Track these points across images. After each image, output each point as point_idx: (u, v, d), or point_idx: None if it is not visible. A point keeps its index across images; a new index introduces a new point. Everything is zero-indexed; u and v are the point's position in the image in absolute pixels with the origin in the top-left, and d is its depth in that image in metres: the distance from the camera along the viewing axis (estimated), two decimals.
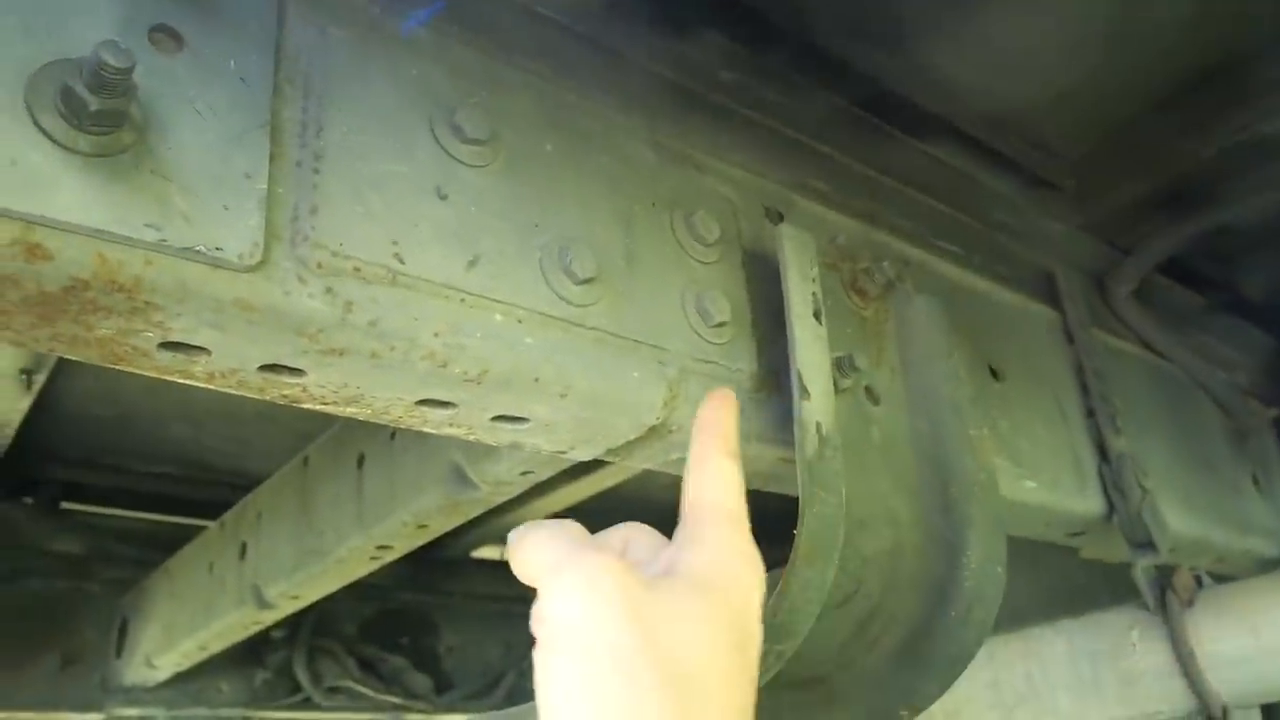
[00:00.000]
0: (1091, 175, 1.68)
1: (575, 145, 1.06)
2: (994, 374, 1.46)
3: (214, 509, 2.55)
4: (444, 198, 0.92)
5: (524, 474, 1.32)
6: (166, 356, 0.83)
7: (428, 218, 0.90)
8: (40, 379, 1.93)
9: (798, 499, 1.36)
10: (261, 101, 0.84)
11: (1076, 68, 1.44)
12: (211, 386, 0.89)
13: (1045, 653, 1.66)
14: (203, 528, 2.51)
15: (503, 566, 3.17)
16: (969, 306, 1.51)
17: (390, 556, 1.63)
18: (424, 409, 0.95)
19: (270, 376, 0.87)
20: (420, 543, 1.57)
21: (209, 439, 2.47)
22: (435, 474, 1.40)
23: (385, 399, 0.93)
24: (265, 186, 0.81)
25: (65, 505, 2.64)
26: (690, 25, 1.24)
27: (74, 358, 0.82)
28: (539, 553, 0.76)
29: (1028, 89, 1.50)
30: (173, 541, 2.65)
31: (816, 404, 1.06)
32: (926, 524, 1.19)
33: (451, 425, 1.00)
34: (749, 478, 1.22)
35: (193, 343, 0.81)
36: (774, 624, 1.02)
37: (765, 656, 1.02)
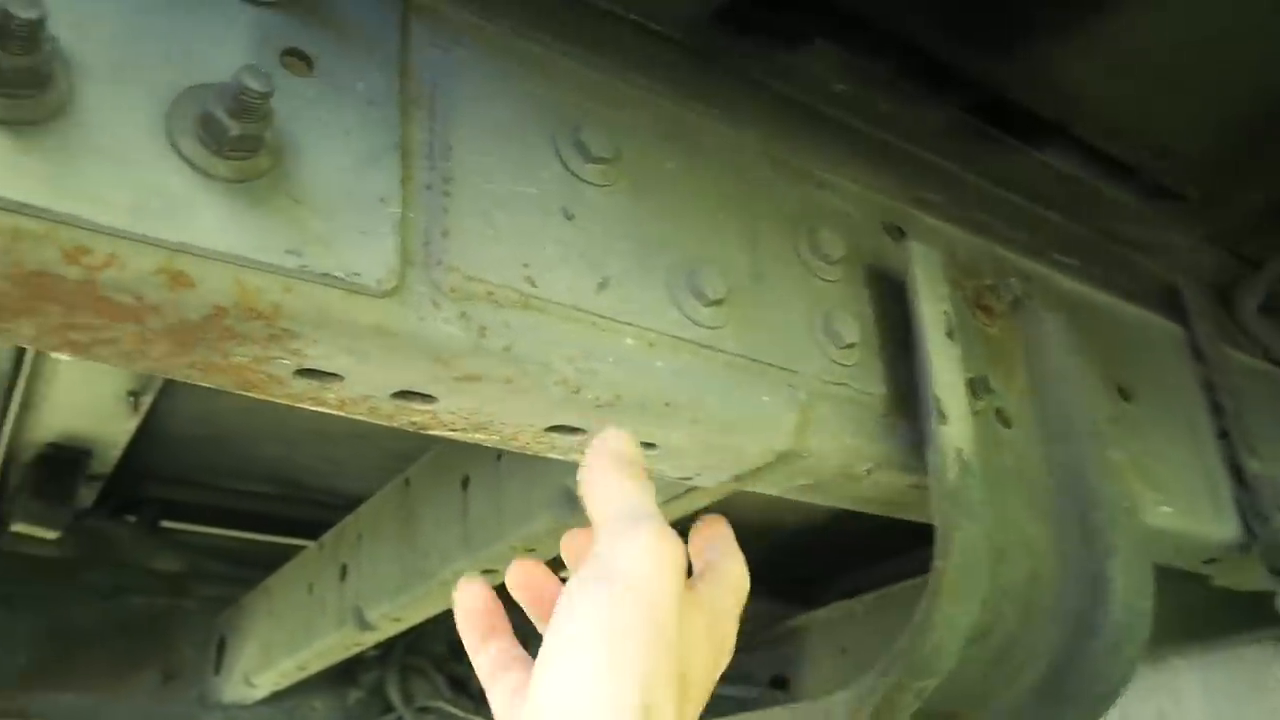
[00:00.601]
0: (1217, 183, 1.60)
1: (696, 162, 1.03)
2: (1123, 394, 1.39)
3: (307, 527, 2.57)
4: (571, 218, 0.90)
5: None
6: (300, 384, 0.81)
7: (556, 239, 0.88)
8: (147, 401, 1.95)
9: (895, 520, 1.32)
10: (391, 123, 0.82)
11: (1203, 68, 1.38)
12: (340, 413, 0.87)
13: (1179, 687, 1.58)
14: (297, 546, 2.53)
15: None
16: (1092, 322, 1.45)
17: (495, 580, 1.61)
18: (552, 435, 0.93)
19: (401, 403, 0.85)
20: None
21: (302, 458, 2.49)
22: (544, 498, 1.37)
23: (514, 425, 0.91)
24: (399, 210, 0.79)
25: (164, 524, 2.67)
26: (802, 36, 1.21)
27: (207, 385, 0.82)
28: (623, 497, 0.76)
29: (1150, 92, 1.44)
30: (268, 559, 2.67)
31: (955, 429, 1.02)
32: (1065, 553, 1.13)
33: (578, 451, 0.97)
34: (875, 503, 1.19)
35: (327, 370, 0.79)
36: (915, 660, 0.98)
37: (904, 693, 0.98)
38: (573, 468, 1.20)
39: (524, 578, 0.89)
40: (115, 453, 2.19)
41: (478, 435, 0.92)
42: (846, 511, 1.26)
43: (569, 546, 0.89)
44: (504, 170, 0.87)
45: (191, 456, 2.50)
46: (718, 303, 0.94)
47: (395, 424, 0.90)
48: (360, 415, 0.88)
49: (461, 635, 0.89)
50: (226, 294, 0.71)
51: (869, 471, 1.09)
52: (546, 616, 0.83)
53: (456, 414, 0.88)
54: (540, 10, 0.98)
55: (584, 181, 0.92)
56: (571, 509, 1.37)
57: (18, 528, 2.21)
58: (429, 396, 0.85)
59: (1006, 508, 1.11)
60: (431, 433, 0.92)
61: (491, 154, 0.87)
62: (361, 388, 0.83)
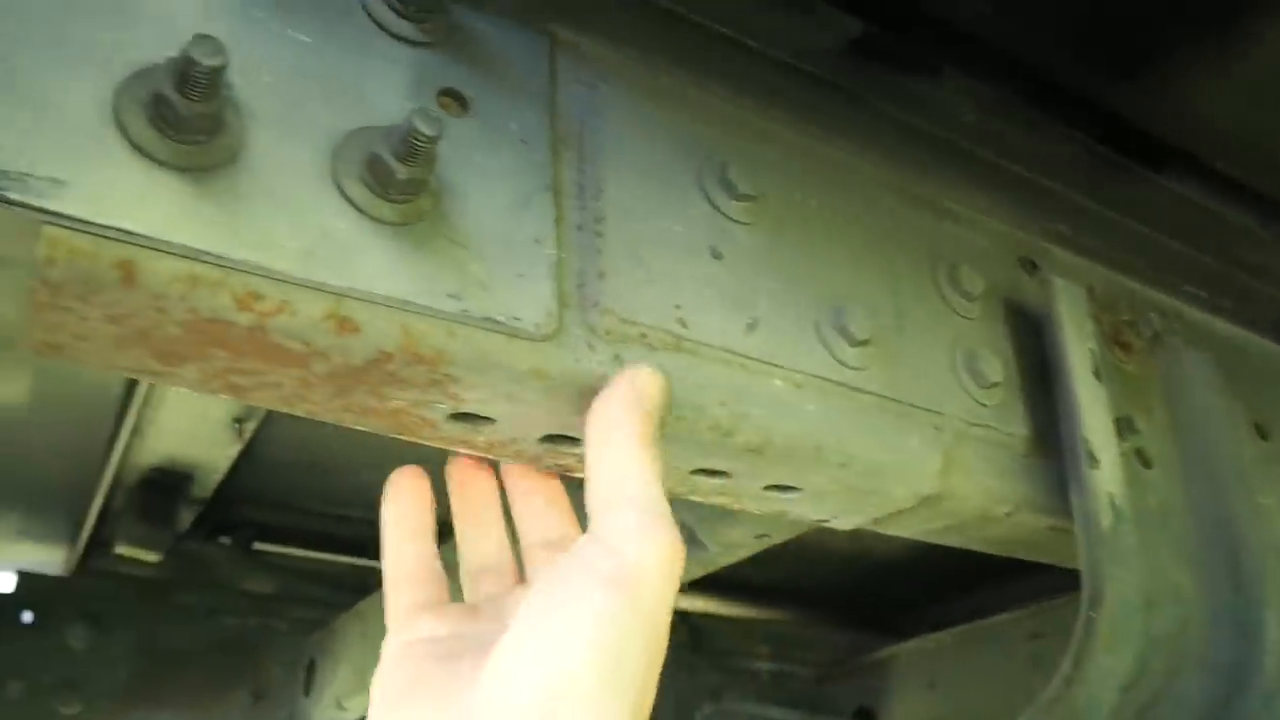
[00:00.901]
0: None
1: (836, 198, 1.01)
2: (1260, 432, 1.34)
3: None
4: (719, 257, 0.88)
5: (759, 537, 1.26)
6: (452, 427, 0.80)
7: (706, 279, 0.86)
8: (251, 427, 1.97)
9: (1036, 563, 1.28)
10: (543, 163, 0.81)
11: None
12: (489, 455, 0.86)
13: None
14: None
15: (676, 615, 3.12)
16: (1224, 357, 1.39)
17: None
18: (696, 478, 0.91)
19: (549, 447, 0.84)
20: None
21: None
22: None
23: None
24: (554, 252, 0.78)
25: (258, 546, 2.70)
26: (933, 66, 1.19)
27: (360, 428, 0.81)
28: (644, 479, 0.70)
29: None
30: (359, 583, 2.69)
31: (1106, 473, 0.98)
32: (1214, 601, 1.08)
33: (720, 495, 0.95)
34: (1012, 545, 1.15)
35: (482, 414, 0.78)
36: (1065, 712, 0.94)
37: None
38: (693, 504, 1.18)
39: (464, 475, 0.90)
40: (216, 477, 2.21)
41: None
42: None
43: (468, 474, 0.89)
44: (653, 209, 0.86)
45: (287, 481, 2.52)
46: (864, 343, 0.92)
47: (539, 466, 0.88)
48: (505, 458, 0.87)
49: (384, 526, 0.90)
50: (392, 339, 0.70)
51: (1008, 514, 1.05)
52: (473, 517, 0.89)
53: None
54: (679, 45, 0.97)
55: (731, 220, 0.90)
56: (688, 545, 1.34)
57: (121, 550, 2.24)
58: (579, 440, 0.83)
59: (1154, 554, 1.06)
60: (575, 475, 0.90)
61: (640, 192, 0.86)
62: (512, 431, 0.81)
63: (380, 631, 2.21)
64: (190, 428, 1.96)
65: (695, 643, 3.29)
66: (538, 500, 0.88)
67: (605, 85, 0.89)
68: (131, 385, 1.81)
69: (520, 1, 0.86)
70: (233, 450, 2.05)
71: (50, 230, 0.60)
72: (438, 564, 0.85)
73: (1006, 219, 1.20)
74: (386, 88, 0.76)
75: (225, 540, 2.66)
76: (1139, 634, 0.99)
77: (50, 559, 2.62)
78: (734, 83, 0.99)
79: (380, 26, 0.78)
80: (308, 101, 0.72)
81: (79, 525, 2.39)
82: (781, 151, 0.99)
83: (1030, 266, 1.19)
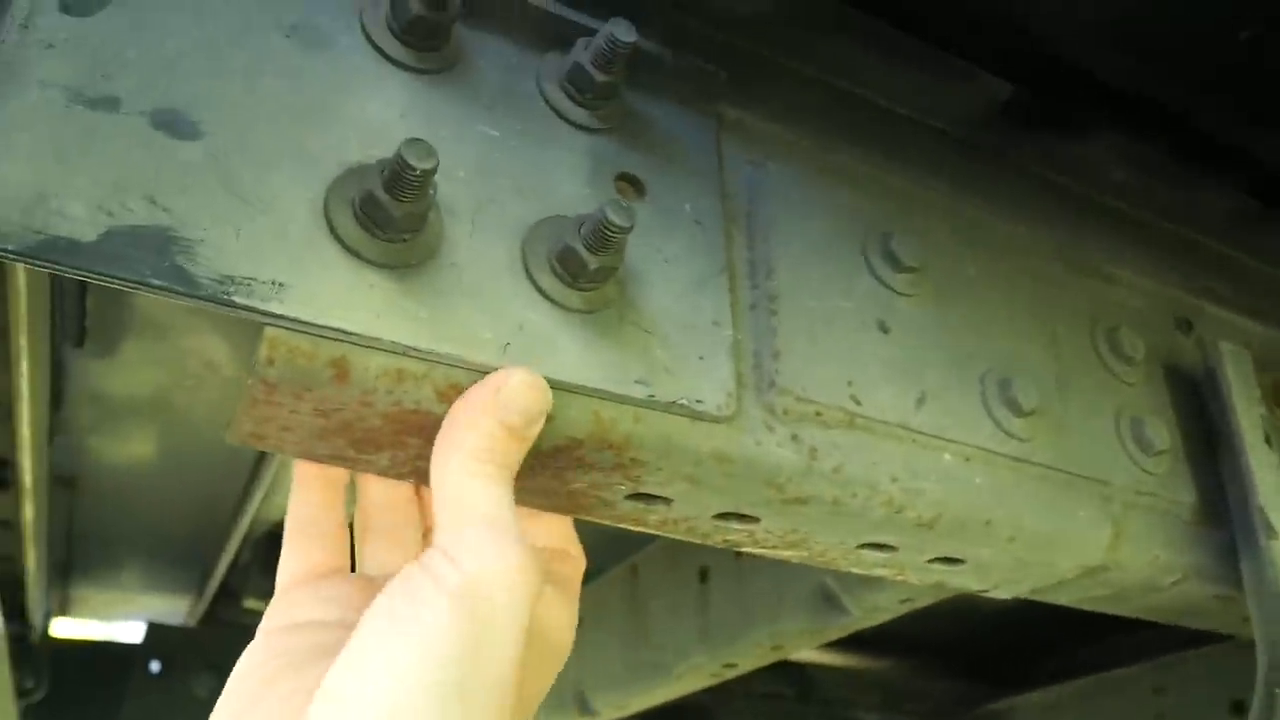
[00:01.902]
0: None
1: (993, 265, 1.00)
2: None
3: None
4: (886, 331, 0.88)
5: (903, 602, 1.25)
6: (628, 506, 0.81)
7: (875, 354, 0.86)
8: None
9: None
10: (716, 244, 0.82)
11: None
12: (657, 532, 0.87)
13: None
14: None
15: (785, 666, 3.09)
16: None
17: (733, 674, 1.59)
18: (862, 552, 0.90)
19: (720, 524, 0.84)
20: (770, 662, 1.52)
21: None
22: (799, 596, 1.35)
23: (827, 543, 0.89)
24: (731, 333, 0.79)
25: None
26: (1082, 125, 1.17)
27: (536, 507, 0.82)
28: (493, 498, 0.65)
29: None
30: None
31: None
32: None
33: (884, 567, 0.94)
34: (1172, 612, 1.12)
35: (660, 494, 0.79)
36: None
37: None
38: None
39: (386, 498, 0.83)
40: None
41: (788, 553, 0.90)
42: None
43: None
44: (822, 285, 0.86)
45: None
46: (1031, 413, 0.91)
47: (708, 542, 0.88)
48: (675, 535, 0.87)
49: (295, 478, 0.82)
50: (582, 426, 0.71)
51: (1174, 583, 1.03)
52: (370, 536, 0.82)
53: (773, 533, 0.86)
54: (837, 119, 0.98)
55: (895, 292, 0.90)
56: (828, 608, 1.34)
57: (249, 603, 2.30)
58: (752, 518, 0.83)
59: None
60: (742, 549, 0.90)
61: (809, 269, 0.86)
62: (687, 510, 0.82)
63: None
64: None
65: (803, 693, 3.25)
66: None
67: (772, 162, 0.90)
68: None
69: (688, 84, 0.87)
70: (353, 506, 2.09)
71: (271, 331, 0.62)
72: (343, 522, 0.79)
73: (1159, 278, 1.18)
74: (567, 175, 0.78)
75: None
76: None
77: (178, 610, 2.70)
78: (891, 153, 0.99)
79: (559, 115, 0.80)
80: (498, 194, 0.74)
81: (206, 577, 2.46)
82: (939, 220, 0.99)
83: (1186, 326, 1.16)
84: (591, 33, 0.80)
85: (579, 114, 0.80)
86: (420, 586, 0.60)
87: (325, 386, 0.64)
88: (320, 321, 0.63)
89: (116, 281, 0.60)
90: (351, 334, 0.64)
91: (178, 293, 0.60)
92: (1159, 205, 1.21)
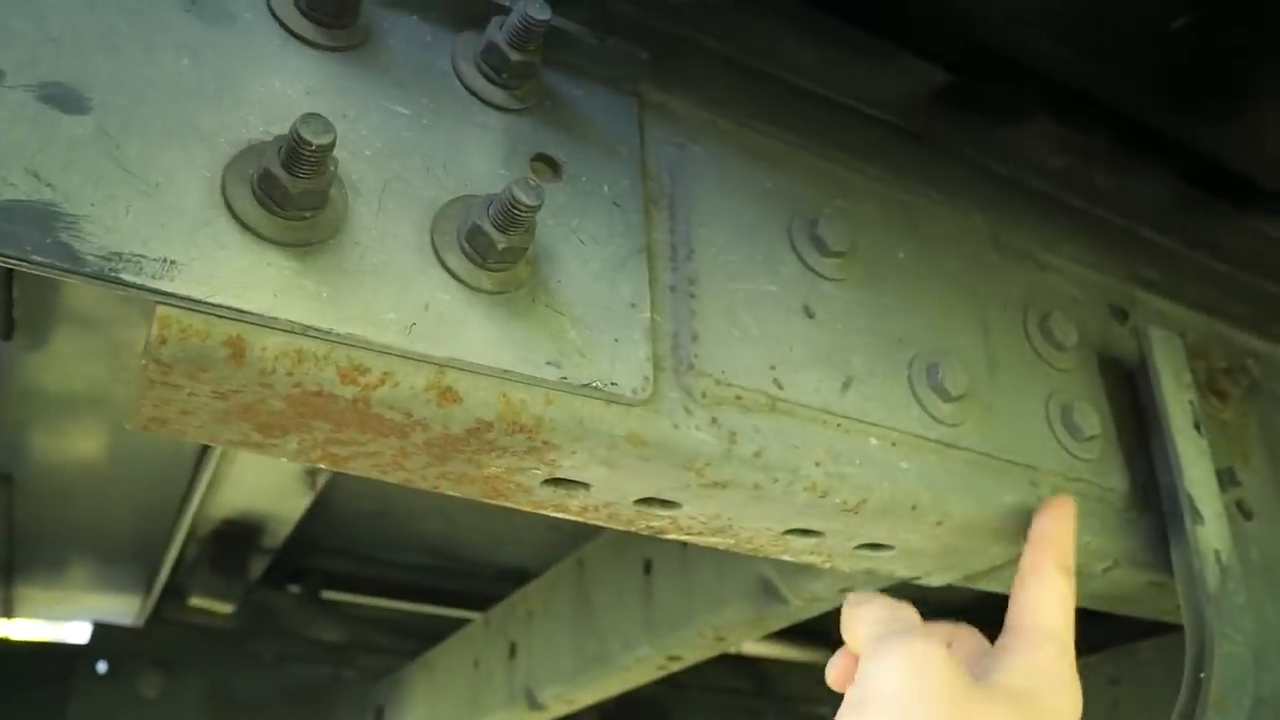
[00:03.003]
0: None
1: (924, 250, 0.99)
2: None
3: (467, 599, 2.58)
4: (812, 316, 0.87)
5: (842, 591, 1.24)
6: (546, 492, 0.80)
7: (799, 338, 0.85)
8: (323, 479, 1.99)
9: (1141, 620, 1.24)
10: (635, 226, 0.81)
11: None
12: (579, 519, 0.85)
13: None
14: (455, 618, 2.54)
15: (742, 661, 3.09)
16: None
17: (678, 666, 1.58)
18: (789, 538, 0.90)
19: (642, 509, 0.83)
20: (713, 654, 1.51)
21: (463, 531, 2.50)
22: (740, 586, 1.34)
23: (753, 529, 0.88)
24: (649, 315, 0.77)
25: (326, 594, 2.71)
26: (1018, 112, 1.17)
27: (454, 494, 0.81)
28: (871, 623, 0.78)
29: None
30: (426, 631, 2.69)
31: (1211, 529, 0.95)
32: None
33: (812, 554, 0.94)
34: (1107, 600, 1.12)
35: (577, 479, 0.78)
36: None
37: None
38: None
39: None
40: (287, 528, 2.23)
41: (713, 539, 0.89)
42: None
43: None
44: (745, 268, 0.85)
45: (354, 529, 2.53)
46: (959, 398, 0.90)
47: (631, 529, 0.87)
48: (598, 521, 0.86)
49: None
50: (492, 408, 0.70)
51: (1106, 570, 1.02)
52: None
53: (696, 519, 0.85)
54: (763, 102, 0.97)
55: (821, 277, 0.89)
56: (767, 598, 1.33)
57: (195, 602, 2.26)
58: (673, 503, 0.82)
59: (1261, 610, 1.02)
60: (666, 536, 0.89)
61: (732, 252, 0.85)
62: (607, 495, 0.81)
63: (450, 680, 2.21)
64: (263, 481, 1.98)
65: (761, 687, 3.25)
66: None
67: (694, 144, 0.88)
68: None
69: (609, 65, 0.86)
70: (305, 501, 2.07)
71: (163, 310, 0.61)
72: None
73: (1095, 266, 1.18)
74: (481, 156, 0.77)
75: (294, 589, 2.67)
76: (1250, 694, 0.95)
77: (124, 610, 2.66)
78: (820, 137, 0.99)
79: (474, 95, 0.78)
80: (407, 173, 0.72)
81: (153, 577, 2.42)
82: (869, 204, 0.98)
83: (1121, 315, 1.16)
84: (507, 11, 0.79)
85: (494, 93, 0.79)
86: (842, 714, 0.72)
87: (221, 367, 0.63)
88: (214, 300, 0.61)
89: None
90: (246, 313, 0.62)
91: (61, 269, 0.59)
92: (1094, 192, 1.21)
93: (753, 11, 0.98)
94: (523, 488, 0.79)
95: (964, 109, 1.11)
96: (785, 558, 0.95)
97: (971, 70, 1.11)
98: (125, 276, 0.59)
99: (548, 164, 0.80)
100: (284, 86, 0.70)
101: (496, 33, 0.78)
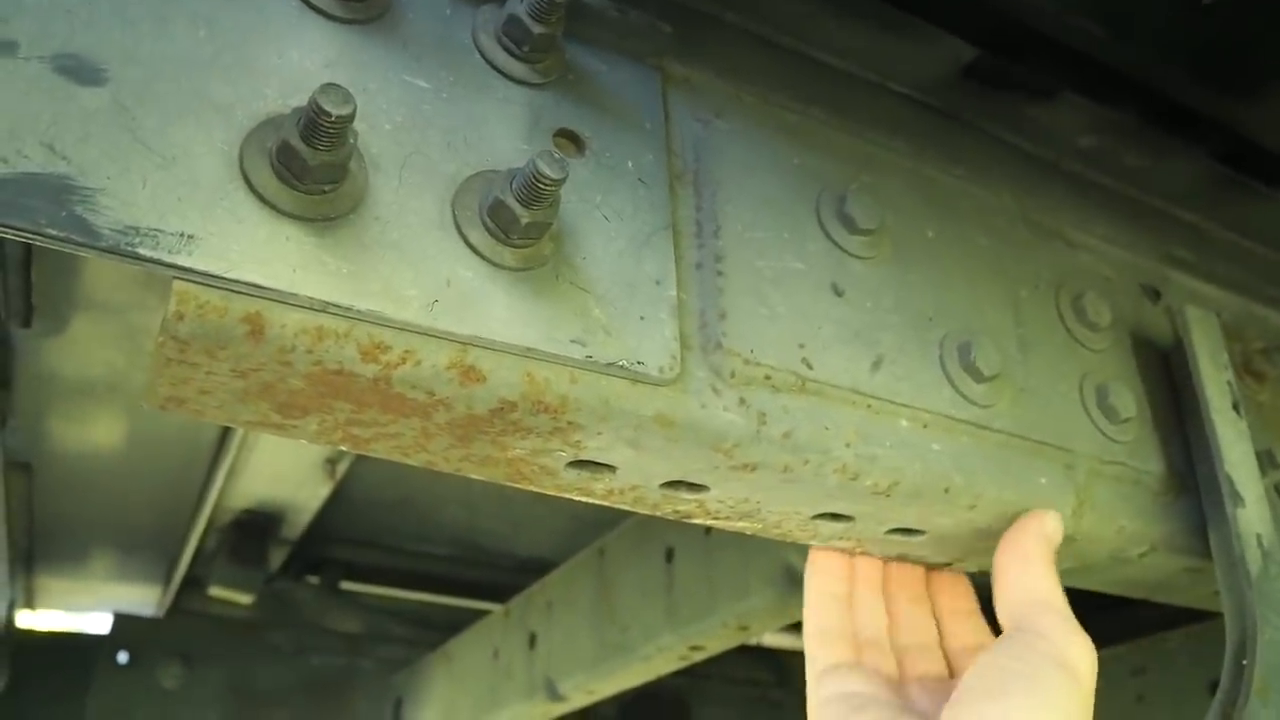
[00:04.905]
0: None
1: (954, 228, 0.97)
2: None
3: (486, 590, 2.58)
4: (840, 294, 0.85)
5: None
6: (571, 475, 0.78)
7: (828, 317, 0.83)
8: (343, 468, 1.98)
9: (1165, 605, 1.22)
10: (661, 202, 0.79)
11: None
12: (605, 503, 0.84)
13: None
14: (474, 608, 2.53)
15: (762, 652, 3.07)
16: None
17: (701, 656, 1.56)
18: (818, 523, 0.88)
19: (669, 493, 0.82)
20: (736, 644, 1.49)
21: (483, 521, 2.49)
22: (764, 574, 1.32)
23: (781, 513, 0.86)
24: (675, 292, 0.76)
25: (344, 585, 2.71)
26: (1048, 89, 1.14)
27: (478, 477, 0.79)
28: (1057, 592, 0.85)
29: None
30: (444, 621, 2.68)
31: (1253, 512, 0.92)
32: None
33: (842, 539, 0.92)
34: (1142, 586, 1.10)
35: (603, 461, 0.76)
36: None
37: None
38: (794, 544, 1.14)
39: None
40: (307, 518, 2.23)
41: (741, 524, 0.87)
42: None
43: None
44: (773, 246, 0.83)
45: (374, 519, 2.53)
46: (991, 379, 0.88)
47: (658, 513, 0.86)
48: (624, 505, 0.84)
49: (806, 591, 0.97)
50: (515, 387, 0.68)
51: (1142, 555, 1.00)
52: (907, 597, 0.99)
53: (724, 503, 0.83)
54: (791, 78, 0.95)
55: (850, 255, 0.87)
56: (793, 586, 1.31)
57: (215, 592, 2.26)
58: (700, 486, 0.80)
59: None
60: (693, 520, 0.88)
61: (759, 229, 0.83)
62: (633, 478, 0.79)
63: (469, 671, 2.21)
64: (283, 470, 1.97)
65: (782, 679, 3.23)
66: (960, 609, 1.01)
67: (720, 120, 0.87)
68: (226, 430, 1.83)
69: (632, 38, 0.84)
70: (324, 490, 2.06)
71: (180, 285, 0.59)
72: (849, 629, 0.96)
73: (1126, 245, 1.15)
74: (503, 130, 0.75)
75: (313, 579, 2.67)
76: None
77: (145, 600, 2.67)
78: (846, 113, 0.97)
79: (495, 69, 0.77)
80: (428, 147, 0.71)
81: (173, 567, 2.42)
82: (897, 181, 0.96)
83: (1153, 294, 1.14)
84: None
85: (516, 67, 0.77)
86: (1028, 653, 0.79)
87: (239, 344, 0.61)
88: (231, 275, 0.60)
89: (10, 231, 0.56)
90: (266, 288, 0.61)
91: (76, 243, 0.57)
92: (1126, 171, 1.19)
93: None
94: (547, 470, 0.77)
95: (993, 86, 1.09)
96: (814, 543, 0.93)
97: (1001, 46, 1.09)
98: (142, 251, 0.58)
99: (570, 139, 0.78)
100: (302, 58, 0.69)
101: (518, 5, 0.76)
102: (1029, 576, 0.85)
